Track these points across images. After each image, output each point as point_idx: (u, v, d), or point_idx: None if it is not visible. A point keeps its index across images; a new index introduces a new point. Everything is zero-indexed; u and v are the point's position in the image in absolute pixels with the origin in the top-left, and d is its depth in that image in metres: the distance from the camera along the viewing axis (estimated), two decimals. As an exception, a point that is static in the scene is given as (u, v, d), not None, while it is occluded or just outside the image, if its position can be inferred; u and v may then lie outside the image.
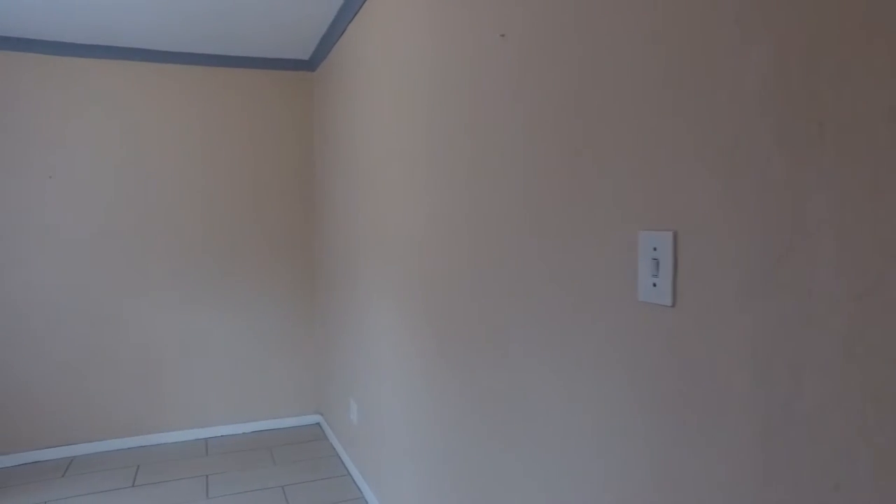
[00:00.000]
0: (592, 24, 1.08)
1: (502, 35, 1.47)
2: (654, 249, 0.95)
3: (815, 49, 0.68)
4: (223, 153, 3.53)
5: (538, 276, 1.28)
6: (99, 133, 3.30)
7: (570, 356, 1.17)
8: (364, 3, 2.55)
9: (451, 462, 1.77)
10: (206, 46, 3.33)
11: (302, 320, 3.71)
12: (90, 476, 3.03)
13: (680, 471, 0.90)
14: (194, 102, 3.47)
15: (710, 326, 0.84)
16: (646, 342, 0.97)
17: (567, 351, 1.18)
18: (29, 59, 3.16)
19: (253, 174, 3.59)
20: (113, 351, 3.36)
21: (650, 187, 0.95)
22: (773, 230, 0.73)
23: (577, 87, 1.13)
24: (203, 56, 3.45)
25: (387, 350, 2.37)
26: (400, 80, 2.15)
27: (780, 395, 0.73)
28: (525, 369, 1.35)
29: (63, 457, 3.28)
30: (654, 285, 0.95)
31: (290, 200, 3.67)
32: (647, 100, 0.95)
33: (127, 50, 3.30)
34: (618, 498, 1.04)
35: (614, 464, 1.05)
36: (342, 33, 2.96)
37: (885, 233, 0.61)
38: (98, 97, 3.29)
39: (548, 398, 1.26)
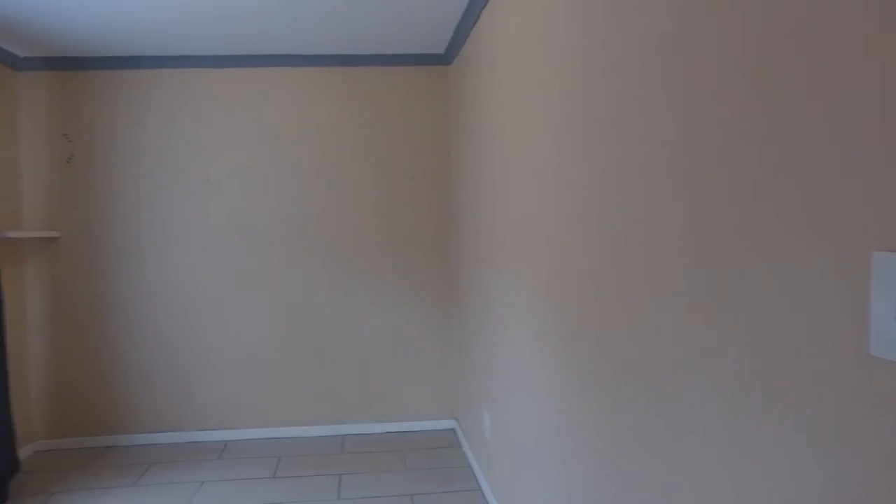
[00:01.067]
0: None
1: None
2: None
3: None
4: (362, 152, 3.52)
5: (709, 310, 0.96)
6: (246, 138, 3.45)
7: (764, 425, 0.84)
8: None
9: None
10: (339, 47, 3.34)
11: (440, 322, 3.60)
12: (239, 462, 3.19)
13: None
14: (331, 103, 3.50)
15: None
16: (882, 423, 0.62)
17: (759, 418, 0.85)
18: (190, 75, 3.40)
19: (391, 173, 3.54)
20: (262, 347, 3.51)
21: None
22: None
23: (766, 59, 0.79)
24: (337, 57, 3.47)
25: (517, 363, 2.13)
26: (537, 67, 1.88)
27: None
28: (694, 430, 1.03)
29: (219, 440, 3.51)
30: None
31: (428, 199, 3.57)
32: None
33: (266, 57, 3.41)
34: None
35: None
36: (475, 22, 2.76)
37: None
38: (243, 104, 3.44)
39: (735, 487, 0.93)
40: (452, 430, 3.59)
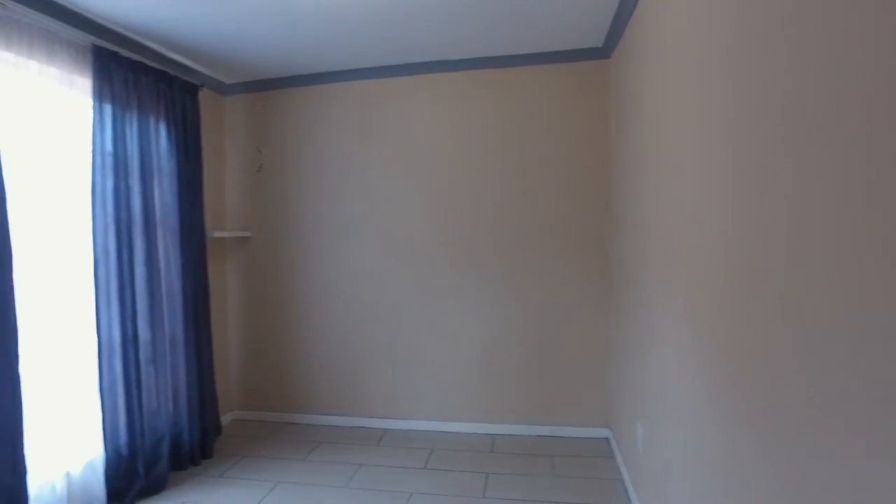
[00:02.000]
0: None
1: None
2: None
3: None
4: (520, 153, 3.51)
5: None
6: (412, 142, 3.64)
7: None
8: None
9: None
10: (499, 49, 3.35)
11: (598, 329, 3.45)
12: (395, 450, 3.37)
13: None
14: (489, 105, 3.54)
15: None
16: None
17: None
18: (361, 87, 3.68)
19: (550, 172, 3.48)
20: (423, 343, 3.67)
21: None
22: None
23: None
24: (496, 59, 3.49)
25: (676, 379, 1.95)
26: (702, 53, 1.71)
27: None
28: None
29: (380, 427, 3.74)
30: None
31: (587, 199, 3.44)
32: None
33: (428, 64, 3.56)
34: None
35: None
36: (633, 10, 2.60)
37: None
38: (409, 110, 3.63)
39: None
40: (606, 439, 3.41)
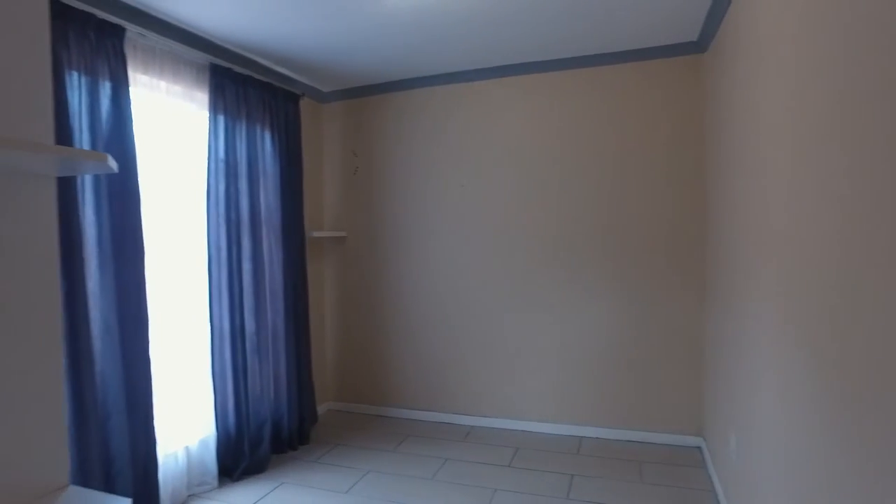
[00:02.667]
0: None
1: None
2: None
3: None
4: (614, 151, 3.46)
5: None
6: (495, 144, 3.69)
7: None
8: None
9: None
10: (590, 48, 3.33)
11: (690, 333, 3.33)
12: (480, 447, 3.43)
13: None
14: (578, 104, 3.51)
15: None
16: None
17: None
18: (451, 91, 3.78)
19: (644, 171, 3.41)
20: (509, 343, 3.71)
21: None
22: None
23: None
24: (588, 58, 3.46)
25: (772, 392, 1.87)
26: (800, 46, 1.64)
27: None
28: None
29: (466, 424, 3.82)
30: None
31: (683, 198, 3.33)
32: None
33: (512, 66, 3.59)
34: None
35: None
36: (726, 12, 2.50)
37: None
38: (492, 112, 3.68)
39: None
40: (699, 448, 3.28)
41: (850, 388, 1.20)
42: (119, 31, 2.37)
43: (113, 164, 1.17)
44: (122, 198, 2.39)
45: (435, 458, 3.28)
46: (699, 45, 3.25)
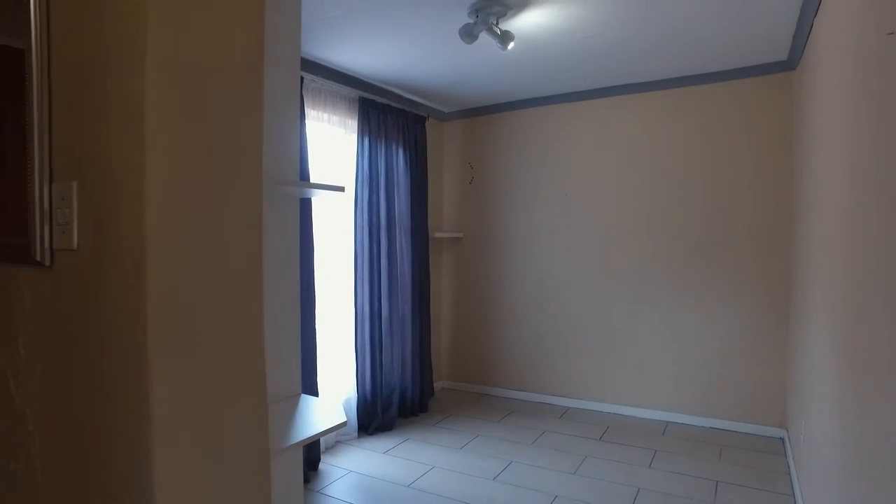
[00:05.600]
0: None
1: (890, 33, 1.34)
2: None
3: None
4: (708, 166, 3.80)
5: None
6: (597, 158, 4.14)
7: None
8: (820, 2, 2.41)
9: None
10: (685, 69, 3.69)
11: (774, 328, 3.60)
12: (574, 424, 3.92)
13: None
14: (678, 121, 3.88)
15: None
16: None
17: None
18: (555, 110, 4.29)
19: (737, 184, 3.71)
20: (604, 334, 4.16)
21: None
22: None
23: None
24: (682, 79, 3.82)
25: (823, 372, 2.23)
26: (834, 80, 2.01)
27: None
28: None
29: (562, 405, 4.31)
30: None
31: (772, 209, 3.61)
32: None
33: (612, 88, 4.02)
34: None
35: None
36: (811, 28, 2.80)
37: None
38: (595, 129, 4.13)
39: None
40: (781, 439, 3.55)
41: (874, 384, 1.59)
42: (300, 80, 3.13)
43: (343, 190, 1.84)
44: (301, 206, 3.15)
45: (534, 430, 3.81)
46: (789, 64, 3.51)
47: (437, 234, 4.49)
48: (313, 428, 1.66)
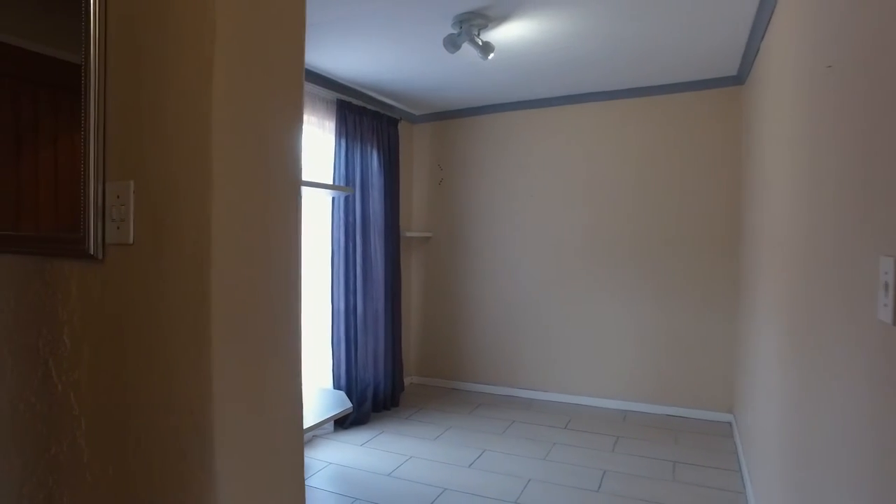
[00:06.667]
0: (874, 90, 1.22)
1: (829, 66, 1.57)
2: (885, 273, 1.05)
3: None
4: (662, 172, 4.09)
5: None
6: (560, 162, 4.37)
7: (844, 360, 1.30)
8: (767, 24, 2.69)
9: (798, 468, 1.89)
10: (643, 80, 3.95)
11: (724, 322, 3.91)
12: (540, 414, 4.13)
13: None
14: (635, 129, 4.15)
15: None
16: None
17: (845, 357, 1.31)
18: (523, 115, 4.49)
19: (689, 189, 4.01)
20: (566, 329, 4.39)
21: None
22: None
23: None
24: (640, 89, 4.09)
25: (765, 360, 2.49)
26: (778, 97, 2.27)
27: None
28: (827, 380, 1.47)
29: (528, 397, 4.52)
30: (885, 305, 1.05)
31: (720, 215, 3.91)
32: None
33: (578, 96, 4.26)
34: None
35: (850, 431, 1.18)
36: (758, 49, 3.09)
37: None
38: (559, 134, 4.36)
39: (838, 383, 1.38)
40: (729, 423, 3.86)
41: (808, 369, 1.83)
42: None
43: (352, 190, 1.95)
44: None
45: (503, 420, 4.00)
46: (738, 79, 3.83)
47: (408, 234, 4.63)
48: (321, 413, 1.77)
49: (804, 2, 1.92)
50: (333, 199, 3.77)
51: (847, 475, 1.20)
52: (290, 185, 1.25)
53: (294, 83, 1.26)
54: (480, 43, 2.84)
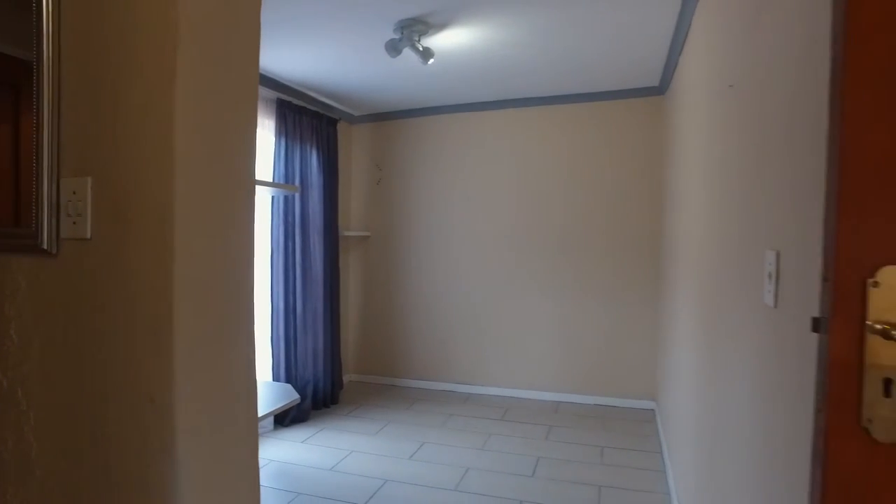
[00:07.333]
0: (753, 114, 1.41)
1: (730, 86, 1.78)
2: (769, 264, 1.23)
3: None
4: (589, 174, 4.33)
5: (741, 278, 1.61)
6: (493, 163, 4.55)
7: (740, 338, 1.49)
8: (685, 41, 2.95)
9: (707, 442, 2.10)
10: (574, 88, 4.18)
11: (646, 317, 4.19)
12: (478, 408, 4.28)
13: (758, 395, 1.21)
14: (563, 135, 4.38)
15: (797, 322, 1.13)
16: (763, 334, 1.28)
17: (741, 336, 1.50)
18: (460, 118, 4.64)
19: (614, 190, 4.27)
20: (500, 325, 4.57)
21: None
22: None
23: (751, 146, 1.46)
24: (574, 96, 4.32)
25: (680, 348, 2.73)
26: (691, 107, 2.51)
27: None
28: (724, 353, 1.67)
29: (464, 392, 4.67)
30: (769, 291, 1.23)
31: (644, 216, 4.20)
32: (787, 163, 1.27)
33: (516, 100, 4.44)
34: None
35: (745, 387, 1.36)
36: (676, 66, 3.37)
37: None
38: (493, 137, 4.54)
39: (737, 361, 1.58)
40: (652, 410, 4.15)
41: (713, 360, 2.05)
42: (222, 80, 3.19)
43: (297, 190, 2.00)
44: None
45: (441, 414, 4.12)
46: (660, 89, 4.13)
47: (347, 233, 4.67)
48: (268, 405, 1.83)
49: (711, 26, 2.15)
50: (273, 198, 3.77)
51: (742, 440, 1.38)
52: (246, 183, 1.31)
53: (250, 83, 1.32)
54: (421, 49, 2.94)
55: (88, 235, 1.18)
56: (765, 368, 1.19)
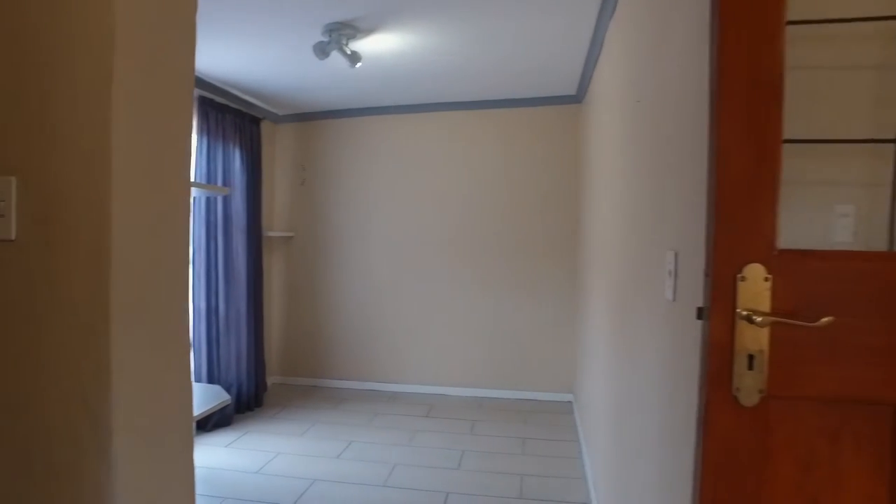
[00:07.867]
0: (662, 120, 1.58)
1: (638, 101, 1.96)
2: (670, 263, 1.41)
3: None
4: (510, 178, 4.51)
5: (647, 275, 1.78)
6: (421, 166, 4.65)
7: (644, 328, 1.66)
8: (599, 55, 3.17)
9: (618, 425, 2.29)
10: (499, 93, 4.35)
11: (566, 313, 4.43)
12: (403, 406, 4.36)
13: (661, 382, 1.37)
14: (487, 138, 4.54)
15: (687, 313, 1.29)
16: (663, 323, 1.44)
17: (644, 326, 1.67)
18: (385, 120, 4.70)
19: (534, 194, 4.48)
20: (423, 324, 4.67)
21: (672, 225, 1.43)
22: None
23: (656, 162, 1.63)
24: (494, 101, 4.49)
25: (595, 341, 2.94)
26: (605, 117, 2.71)
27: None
28: (638, 340, 1.85)
29: (389, 390, 4.73)
30: (669, 287, 1.41)
31: (561, 219, 4.43)
32: (682, 173, 1.43)
33: (442, 104, 4.56)
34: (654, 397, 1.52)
35: (649, 373, 1.53)
36: (591, 77, 3.60)
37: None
38: (422, 139, 4.64)
39: (644, 349, 1.75)
40: (569, 402, 4.40)
41: (624, 352, 2.24)
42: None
43: (227, 191, 1.99)
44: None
45: (367, 413, 4.17)
46: (577, 98, 4.37)
47: (270, 234, 4.60)
48: (200, 406, 1.82)
49: (620, 45, 2.35)
50: (195, 198, 3.67)
51: (648, 420, 1.55)
52: (182, 184, 1.32)
53: (186, 84, 1.33)
54: (349, 52, 2.99)
55: (13, 236, 1.16)
56: (666, 354, 1.35)
